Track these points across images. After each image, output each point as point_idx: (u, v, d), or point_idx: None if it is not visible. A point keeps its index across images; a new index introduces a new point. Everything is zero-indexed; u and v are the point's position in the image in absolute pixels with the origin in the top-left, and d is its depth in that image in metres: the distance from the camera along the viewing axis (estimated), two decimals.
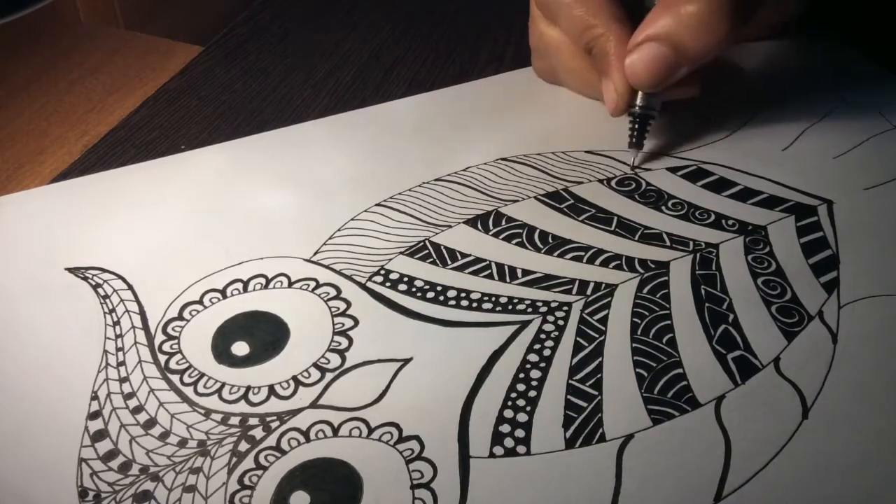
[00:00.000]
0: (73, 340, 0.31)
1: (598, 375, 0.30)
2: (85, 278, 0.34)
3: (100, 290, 0.33)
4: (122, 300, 0.33)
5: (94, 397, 0.29)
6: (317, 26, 0.49)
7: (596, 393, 0.30)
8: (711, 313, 0.33)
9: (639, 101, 0.38)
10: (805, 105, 0.43)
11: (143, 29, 0.50)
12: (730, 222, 0.37)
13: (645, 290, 0.34)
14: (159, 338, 0.31)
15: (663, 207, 0.38)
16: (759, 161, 0.40)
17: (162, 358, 0.31)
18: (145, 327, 0.32)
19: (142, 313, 0.32)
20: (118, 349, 0.31)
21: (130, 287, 0.34)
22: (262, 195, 0.38)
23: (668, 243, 0.36)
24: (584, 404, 0.29)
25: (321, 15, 0.50)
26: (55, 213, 0.37)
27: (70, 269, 0.34)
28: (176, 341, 0.31)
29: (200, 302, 0.33)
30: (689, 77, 0.37)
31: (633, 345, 0.31)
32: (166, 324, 0.32)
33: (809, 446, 0.28)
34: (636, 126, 0.38)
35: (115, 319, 0.32)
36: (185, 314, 0.32)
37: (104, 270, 0.34)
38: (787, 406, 0.29)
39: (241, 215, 0.37)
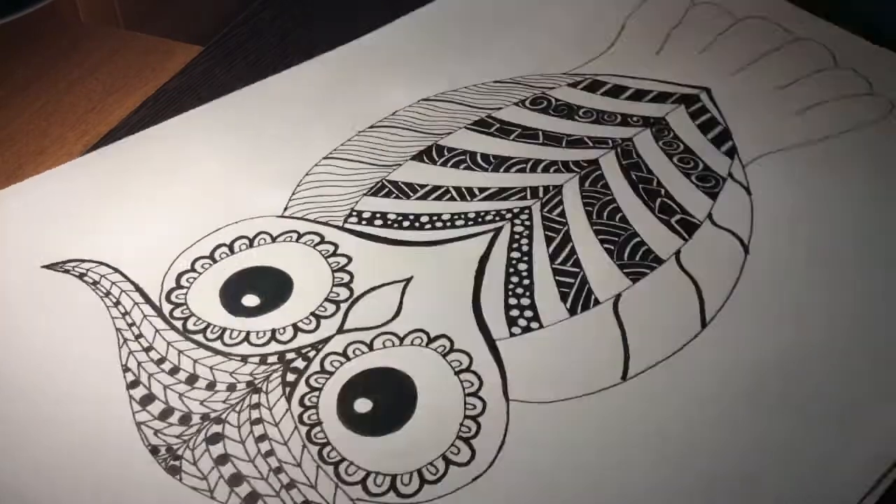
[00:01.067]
0: (81, 327, 0.32)
1: (575, 256, 0.35)
2: (66, 272, 0.34)
3: (85, 278, 0.34)
4: (112, 283, 0.34)
5: (126, 370, 0.30)
6: (317, 27, 0.49)
7: (578, 270, 0.34)
8: (647, 191, 0.38)
9: None
10: (665, 8, 0.49)
11: (143, 29, 0.49)
12: (634, 119, 0.42)
13: (587, 185, 0.38)
14: (166, 307, 0.33)
15: (576, 117, 0.43)
16: (641, 65, 0.45)
17: (178, 323, 0.32)
18: (148, 301, 0.33)
19: (139, 290, 0.33)
20: (130, 325, 0.32)
21: (117, 270, 0.34)
22: (212, 168, 0.39)
23: (590, 144, 0.41)
24: (572, 280, 0.34)
25: (321, 15, 0.50)
26: (18, 216, 0.36)
27: (47, 266, 0.35)
28: (185, 307, 0.33)
29: (193, 270, 0.34)
30: None
31: (594, 227, 0.36)
32: (168, 293, 0.33)
33: (757, 265, 0.33)
34: None
35: (115, 300, 0.33)
36: (183, 282, 0.34)
37: (81, 261, 0.35)
38: (730, 246, 0.35)
39: (199, 189, 0.38)
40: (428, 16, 0.48)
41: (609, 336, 0.31)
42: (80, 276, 0.34)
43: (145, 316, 0.32)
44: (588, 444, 0.28)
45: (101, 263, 0.35)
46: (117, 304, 0.33)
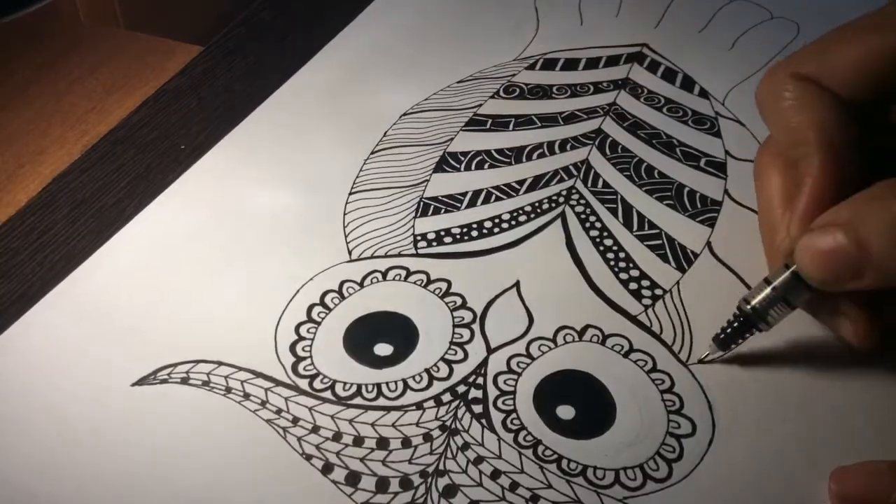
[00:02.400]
0: (227, 435, 0.29)
1: (646, 219, 0.37)
2: (164, 382, 0.31)
3: (191, 382, 0.31)
4: (226, 377, 0.31)
5: (309, 457, 0.29)
6: (317, 27, 0.48)
7: (657, 230, 0.36)
8: (662, 145, 0.41)
9: (760, 297, 0.29)
10: None
11: (143, 29, 0.50)
12: (605, 84, 0.45)
13: (607, 152, 0.40)
14: (300, 382, 0.31)
15: (553, 95, 0.44)
16: (573, 39, 0.48)
17: (326, 394, 0.30)
18: (279, 382, 0.31)
19: (260, 374, 0.31)
20: (277, 412, 0.30)
21: (219, 363, 0.32)
22: (258, 232, 0.37)
23: (584, 116, 0.43)
24: (660, 241, 0.36)
25: (321, 15, 0.48)
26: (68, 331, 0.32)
27: (137, 383, 0.31)
28: (322, 376, 0.31)
29: (302, 338, 0.32)
30: (862, 315, 0.28)
31: (643, 188, 0.38)
32: (293, 367, 0.31)
33: None
34: (735, 325, 0.30)
35: (242, 394, 0.31)
36: (300, 352, 0.32)
37: (173, 365, 0.32)
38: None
39: (258, 255, 0.36)
40: (354, 42, 0.47)
41: (728, 279, 0.33)
42: (183, 382, 0.31)
43: (287, 398, 0.30)
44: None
45: (199, 361, 0.32)
46: (247, 396, 0.30)
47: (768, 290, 0.29)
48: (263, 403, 0.30)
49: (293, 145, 0.41)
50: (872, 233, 0.25)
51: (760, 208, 0.32)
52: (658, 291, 0.34)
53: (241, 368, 0.31)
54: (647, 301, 0.33)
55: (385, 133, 0.42)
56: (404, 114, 0.43)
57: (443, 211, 0.37)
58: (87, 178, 0.39)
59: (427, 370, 0.31)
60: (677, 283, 0.34)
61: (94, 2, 0.50)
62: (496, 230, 0.37)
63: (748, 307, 0.29)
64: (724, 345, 0.30)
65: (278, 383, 0.31)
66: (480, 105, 0.44)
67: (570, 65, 0.46)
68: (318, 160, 0.40)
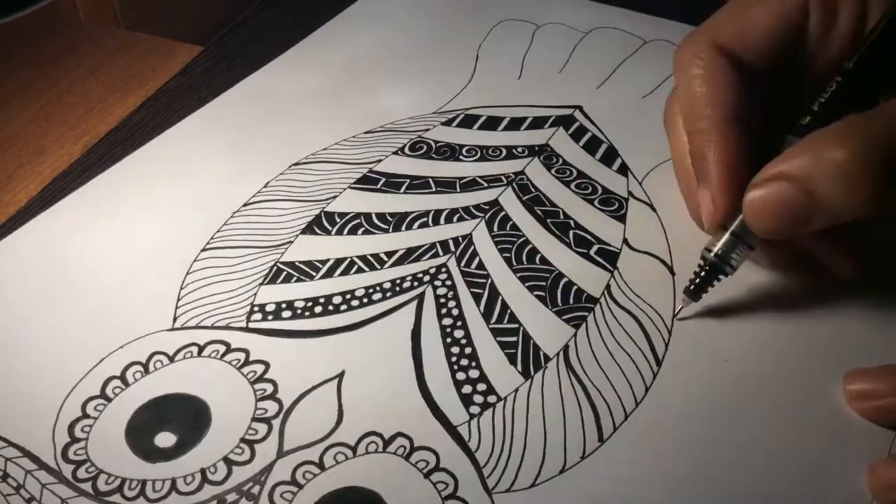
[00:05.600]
0: None
1: (508, 311, 0.33)
2: None
3: None
4: None
5: None
6: (317, 26, 0.48)
7: (516, 325, 0.32)
8: (557, 225, 0.36)
9: (720, 244, 0.31)
10: (512, 35, 0.48)
11: (143, 29, 0.50)
12: (519, 150, 0.41)
13: (495, 229, 0.36)
14: (66, 468, 0.28)
15: (460, 157, 0.41)
16: (505, 93, 0.44)
17: (86, 486, 0.27)
18: (42, 465, 0.28)
19: (27, 454, 0.28)
20: (28, 501, 0.27)
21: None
22: (86, 282, 0.34)
23: (485, 185, 0.39)
24: (514, 339, 0.32)
25: (321, 15, 0.48)
26: None
27: None
28: (88, 464, 0.28)
29: (86, 415, 0.29)
30: (833, 250, 0.32)
31: (518, 275, 0.34)
32: (64, 451, 0.28)
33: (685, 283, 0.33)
34: (702, 274, 0.31)
35: (1, 472, 0.27)
36: (78, 432, 0.29)
37: None
38: (656, 269, 0.34)
39: (70, 312, 0.33)
40: (263, 82, 0.45)
41: (570, 395, 0.29)
42: None
43: (44, 485, 0.27)
44: None
45: None
46: (5, 476, 0.27)
47: (727, 235, 0.30)
48: (18, 489, 0.27)
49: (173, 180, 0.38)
50: (819, 180, 0.27)
51: (674, 152, 0.34)
52: (491, 399, 0.29)
53: (10, 443, 0.28)
54: (475, 410, 0.29)
55: (266, 184, 0.39)
56: (295, 163, 0.40)
57: (294, 279, 0.34)
58: (87, 178, 0.38)
59: (202, 470, 0.27)
60: (515, 391, 0.30)
61: (94, 2, 0.50)
62: (343, 307, 0.33)
63: (711, 254, 0.30)
64: (696, 294, 0.31)
65: (41, 466, 0.27)
66: (380, 161, 0.40)
67: (491, 123, 0.42)
68: (180, 215, 0.37)
